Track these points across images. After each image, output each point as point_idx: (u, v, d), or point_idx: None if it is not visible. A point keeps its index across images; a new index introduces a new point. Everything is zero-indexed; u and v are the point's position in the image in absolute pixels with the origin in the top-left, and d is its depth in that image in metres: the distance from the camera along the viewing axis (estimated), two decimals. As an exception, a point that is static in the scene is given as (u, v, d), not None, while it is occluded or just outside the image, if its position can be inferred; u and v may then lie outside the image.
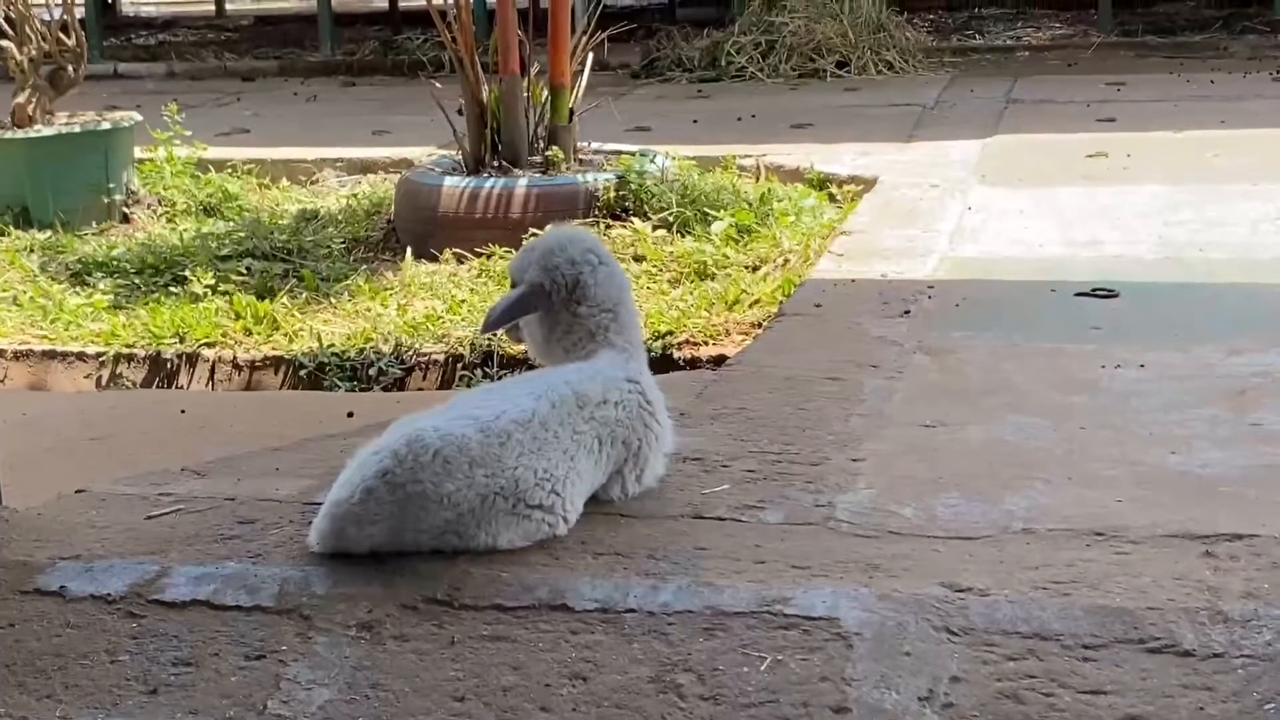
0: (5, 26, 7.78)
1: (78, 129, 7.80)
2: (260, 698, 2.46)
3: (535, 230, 6.01)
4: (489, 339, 5.53)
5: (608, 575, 2.72)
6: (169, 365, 5.81)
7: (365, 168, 8.67)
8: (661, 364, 4.98)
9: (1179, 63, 11.45)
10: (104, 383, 5.79)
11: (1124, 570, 2.69)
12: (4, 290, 6.52)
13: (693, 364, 5.23)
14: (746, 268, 6.13)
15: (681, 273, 6.14)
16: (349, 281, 6.39)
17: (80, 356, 5.86)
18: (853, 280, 5.21)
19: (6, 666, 2.58)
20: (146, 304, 6.21)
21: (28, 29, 7.72)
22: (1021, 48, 12.98)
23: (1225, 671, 2.37)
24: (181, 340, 5.86)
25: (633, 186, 6.78)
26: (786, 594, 2.61)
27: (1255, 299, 4.84)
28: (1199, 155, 7.51)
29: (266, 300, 6.15)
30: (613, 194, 6.76)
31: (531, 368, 3.73)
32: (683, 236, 6.54)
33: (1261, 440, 3.44)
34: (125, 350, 5.84)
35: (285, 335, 5.86)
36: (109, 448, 4.78)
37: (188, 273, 6.43)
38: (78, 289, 6.52)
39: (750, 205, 6.85)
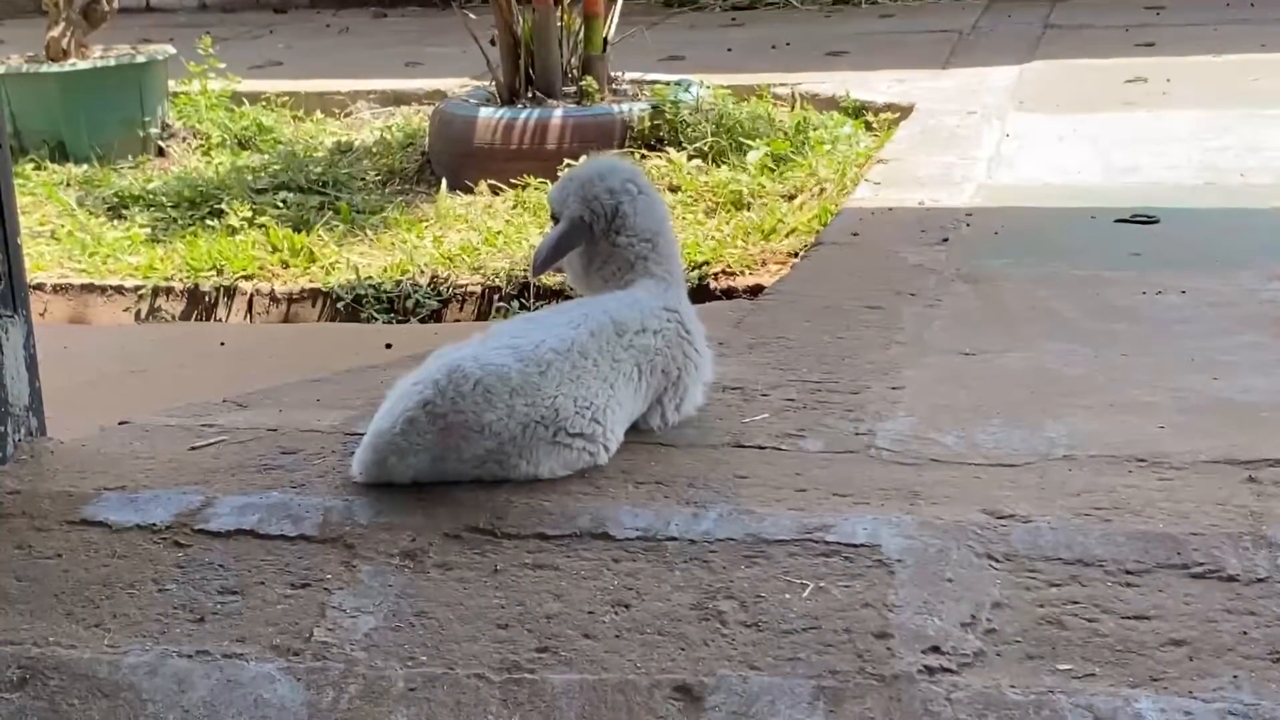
0: (38, -40, 7.78)
1: (112, 63, 7.80)
2: (306, 625, 2.48)
3: (570, 161, 6.00)
4: (524, 270, 5.53)
5: (649, 504, 2.73)
6: (207, 298, 5.83)
7: (399, 99, 8.65)
8: (698, 294, 4.97)
9: (1219, -15, 11.30)
10: (143, 316, 5.83)
11: (1167, 496, 2.68)
12: (42, 224, 6.55)
13: (729, 294, 5.22)
14: (782, 197, 6.11)
15: (717, 202, 6.12)
16: (385, 214, 6.40)
17: (119, 290, 5.90)
18: (890, 208, 5.18)
19: (55, 596, 2.60)
20: (184, 237, 6.23)
21: (60, -37, 7.71)
22: (1059, -29, 12.82)
23: (1269, 596, 2.36)
24: (219, 273, 5.88)
25: (667, 116, 6.75)
26: (828, 521, 2.61)
27: (1298, 224, 4.79)
28: (1239, 79, 7.42)
29: (303, 233, 6.16)
30: (648, 124, 6.73)
31: (568, 298, 3.72)
32: (718, 166, 6.51)
33: (1304, 366, 3.42)
34: (163, 283, 5.89)
35: (322, 268, 5.88)
36: (150, 380, 4.80)
37: (224, 206, 6.46)
38: (115, 223, 6.56)
39: (786, 134, 6.81)
